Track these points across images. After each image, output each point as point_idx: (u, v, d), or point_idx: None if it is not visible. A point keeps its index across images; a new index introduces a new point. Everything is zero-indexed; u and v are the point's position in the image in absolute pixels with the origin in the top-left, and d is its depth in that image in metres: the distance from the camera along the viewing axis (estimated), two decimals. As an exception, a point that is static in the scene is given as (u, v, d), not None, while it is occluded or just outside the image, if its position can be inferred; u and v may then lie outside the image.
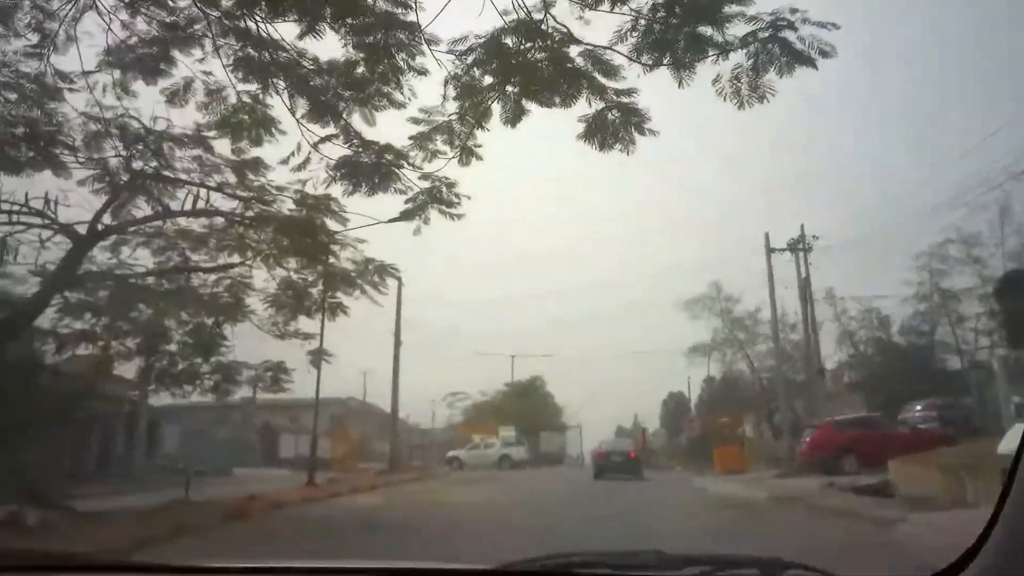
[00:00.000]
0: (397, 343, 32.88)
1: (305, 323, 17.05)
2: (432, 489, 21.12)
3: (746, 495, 17.79)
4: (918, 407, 26.12)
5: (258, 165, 13.62)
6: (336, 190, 12.04)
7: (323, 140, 10.83)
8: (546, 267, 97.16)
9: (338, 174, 11.36)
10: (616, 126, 8.86)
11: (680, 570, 2.18)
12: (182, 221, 15.01)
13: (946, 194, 28.46)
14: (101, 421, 24.49)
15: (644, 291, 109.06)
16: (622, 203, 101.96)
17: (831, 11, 7.57)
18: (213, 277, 15.99)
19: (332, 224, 14.41)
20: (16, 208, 13.03)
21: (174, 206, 14.31)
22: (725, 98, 7.80)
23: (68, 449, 22.09)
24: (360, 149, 11.22)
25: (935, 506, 11.14)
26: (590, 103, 8.81)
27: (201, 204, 14.13)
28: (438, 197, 11.88)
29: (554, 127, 12.63)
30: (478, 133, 10.01)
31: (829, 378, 34.66)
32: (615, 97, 8.77)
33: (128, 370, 17.17)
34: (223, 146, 13.17)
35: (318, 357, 18.64)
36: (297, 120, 10.50)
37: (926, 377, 30.93)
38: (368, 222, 13.72)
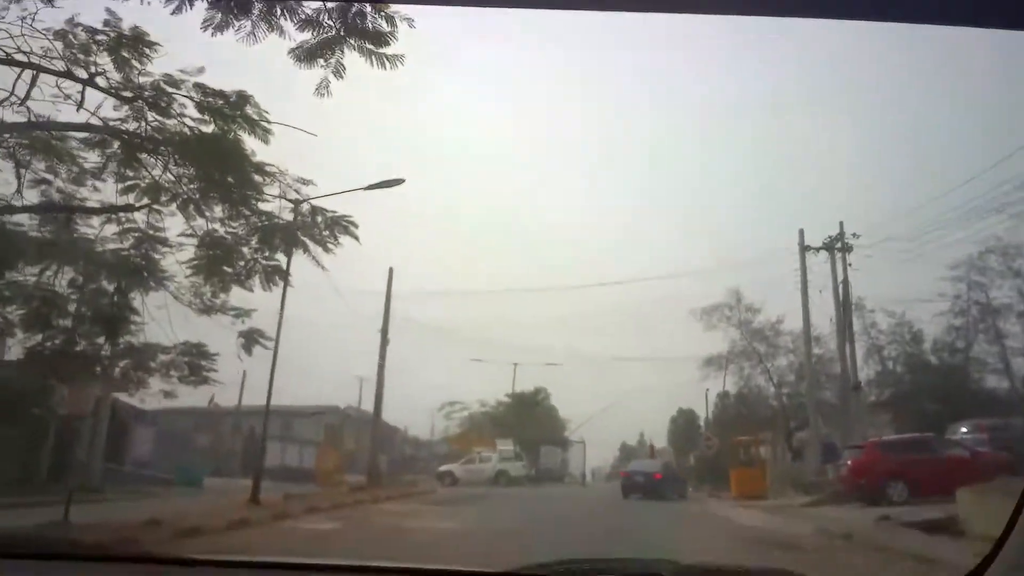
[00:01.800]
0: (384, 341, 30.34)
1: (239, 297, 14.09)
2: (409, 511, 18.15)
3: (785, 528, 15.07)
4: (964, 428, 24.06)
5: (139, 43, 9.90)
6: (192, 19, 7.88)
7: None
8: (549, 262, 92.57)
9: None
10: None
11: None
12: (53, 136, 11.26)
13: (986, 199, 25.97)
14: (57, 422, 22.24)
15: (654, 293, 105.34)
16: (633, 193, 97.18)
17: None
18: (115, 228, 12.44)
19: (262, 152, 11.18)
20: None
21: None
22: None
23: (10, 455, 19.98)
24: None
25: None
26: None
27: (74, 109, 10.23)
28: (357, 26, 7.96)
29: (561, 90, 9.27)
30: None
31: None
32: None
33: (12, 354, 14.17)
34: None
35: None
36: None
37: (965, 396, 29.02)
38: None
